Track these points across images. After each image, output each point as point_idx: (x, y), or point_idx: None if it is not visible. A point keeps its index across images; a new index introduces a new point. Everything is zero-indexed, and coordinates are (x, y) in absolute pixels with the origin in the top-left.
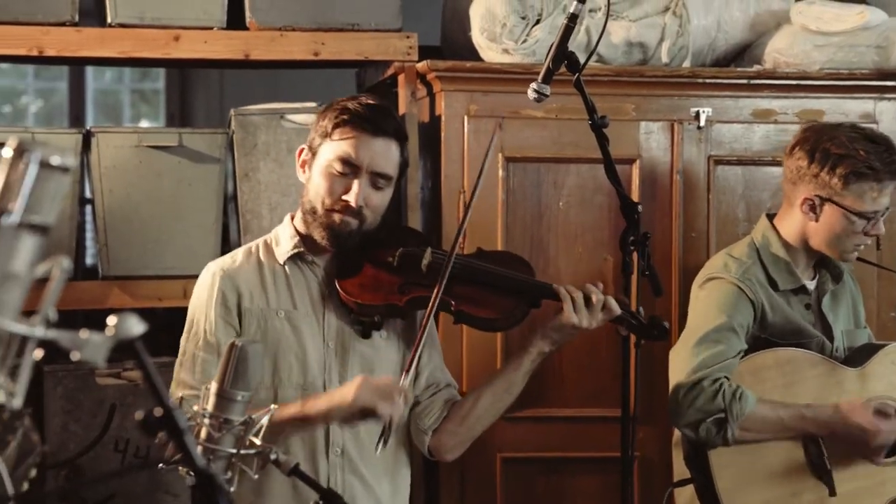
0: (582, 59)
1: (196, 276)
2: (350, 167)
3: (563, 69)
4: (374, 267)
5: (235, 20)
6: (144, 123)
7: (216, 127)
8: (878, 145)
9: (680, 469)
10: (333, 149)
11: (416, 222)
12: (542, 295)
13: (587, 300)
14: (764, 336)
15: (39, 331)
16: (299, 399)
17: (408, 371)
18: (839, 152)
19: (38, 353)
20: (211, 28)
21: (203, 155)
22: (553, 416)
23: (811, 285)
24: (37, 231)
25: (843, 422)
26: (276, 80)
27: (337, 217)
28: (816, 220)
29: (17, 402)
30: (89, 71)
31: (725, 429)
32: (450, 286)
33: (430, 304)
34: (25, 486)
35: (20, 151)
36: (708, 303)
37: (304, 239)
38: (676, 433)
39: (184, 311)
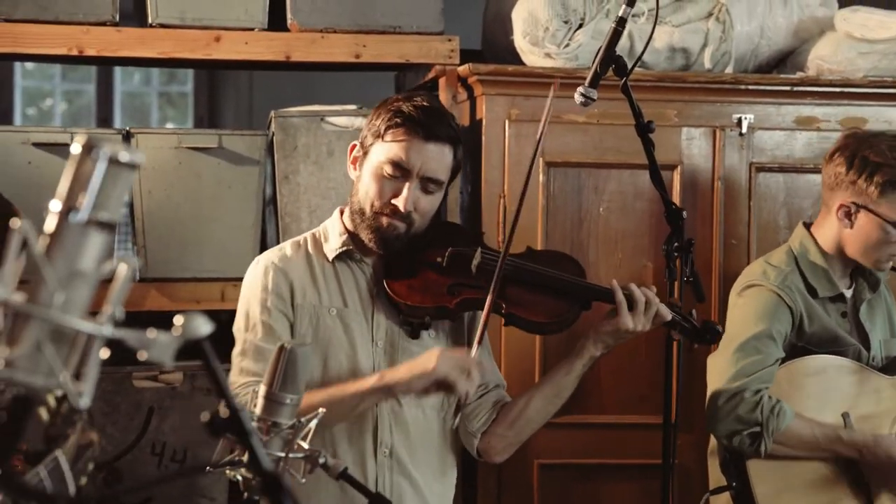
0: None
1: (234, 279)
2: (401, 170)
3: (607, 74)
4: (423, 267)
5: (277, 21)
6: (170, 126)
7: (246, 129)
8: None
9: (716, 476)
10: (385, 151)
11: None
12: (596, 297)
13: (644, 305)
14: (801, 344)
15: (107, 330)
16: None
17: (479, 342)
18: (877, 160)
19: (105, 353)
20: (252, 29)
21: (242, 157)
22: (591, 422)
23: (848, 293)
24: (104, 228)
25: (876, 452)
26: (308, 83)
27: (385, 220)
28: (851, 227)
29: (86, 402)
30: (118, 73)
31: (760, 442)
32: (501, 288)
33: (486, 307)
34: (84, 480)
35: (89, 148)
36: (747, 310)
37: (353, 237)
38: (713, 441)
39: (222, 313)
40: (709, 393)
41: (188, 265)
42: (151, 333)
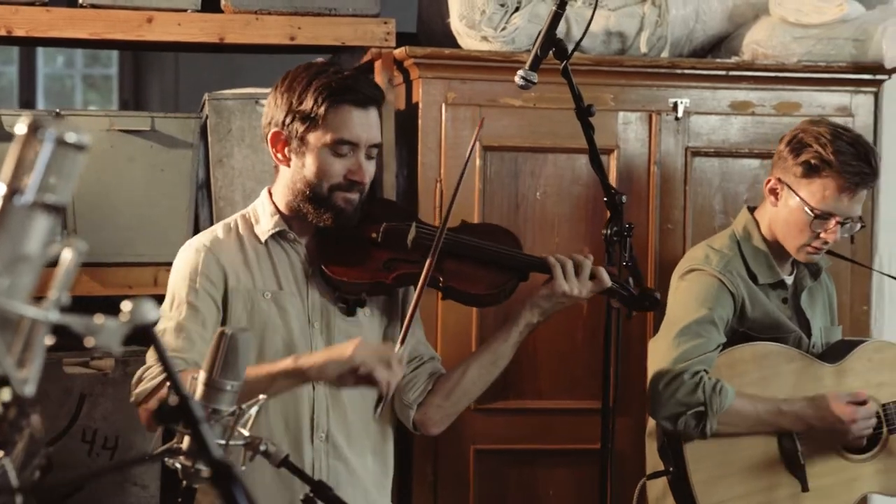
0: None
1: (167, 264)
2: (349, 145)
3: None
4: (358, 244)
5: (210, 3)
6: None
7: (173, 112)
8: (854, 149)
9: (653, 460)
10: (330, 131)
11: None
12: (532, 268)
13: (577, 268)
14: (742, 329)
15: (53, 315)
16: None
17: (402, 341)
18: (808, 142)
19: (50, 340)
20: (185, 10)
21: (175, 140)
22: (527, 408)
23: (789, 280)
24: (51, 211)
25: (820, 414)
26: (236, 66)
27: (342, 196)
28: (776, 206)
29: (30, 390)
30: (40, 55)
31: (704, 422)
32: (438, 261)
33: (422, 281)
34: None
35: (34, 128)
36: (689, 295)
37: (285, 217)
38: (651, 423)
39: (155, 298)
40: (650, 377)
41: (120, 250)
42: (99, 319)
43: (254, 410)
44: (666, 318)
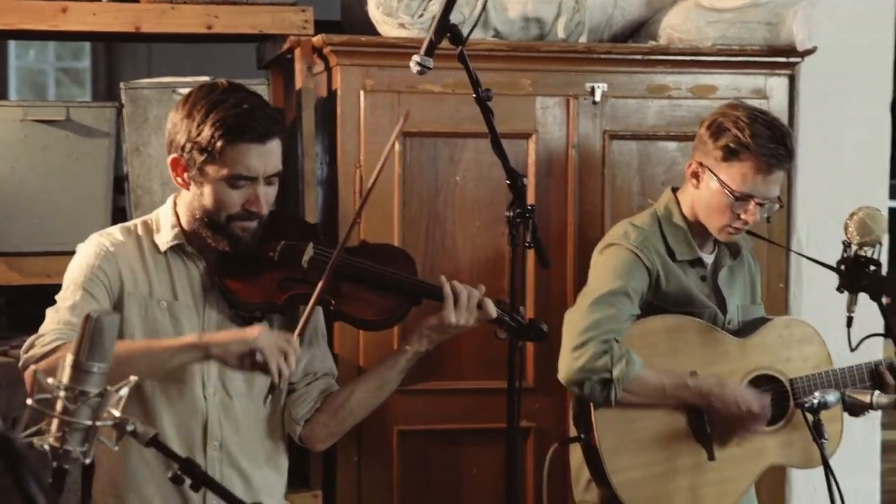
0: (481, 34)
1: None
2: (247, 179)
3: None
4: (256, 262)
5: None
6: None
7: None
8: (771, 132)
9: (574, 430)
10: (227, 166)
11: (312, 199)
12: (426, 295)
13: (465, 298)
14: (657, 302)
15: None
16: (177, 398)
17: (300, 336)
18: (727, 126)
19: None
20: (100, 0)
21: (91, 129)
22: (449, 388)
23: (709, 259)
24: None
25: (723, 397)
26: (205, 55)
27: (240, 226)
28: (697, 188)
29: None
30: (11, 47)
31: (610, 390)
32: (332, 284)
33: (310, 306)
34: None
35: None
36: (605, 268)
37: (186, 232)
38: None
39: None
40: (563, 344)
41: (38, 239)
42: None
43: (124, 391)
44: (583, 290)
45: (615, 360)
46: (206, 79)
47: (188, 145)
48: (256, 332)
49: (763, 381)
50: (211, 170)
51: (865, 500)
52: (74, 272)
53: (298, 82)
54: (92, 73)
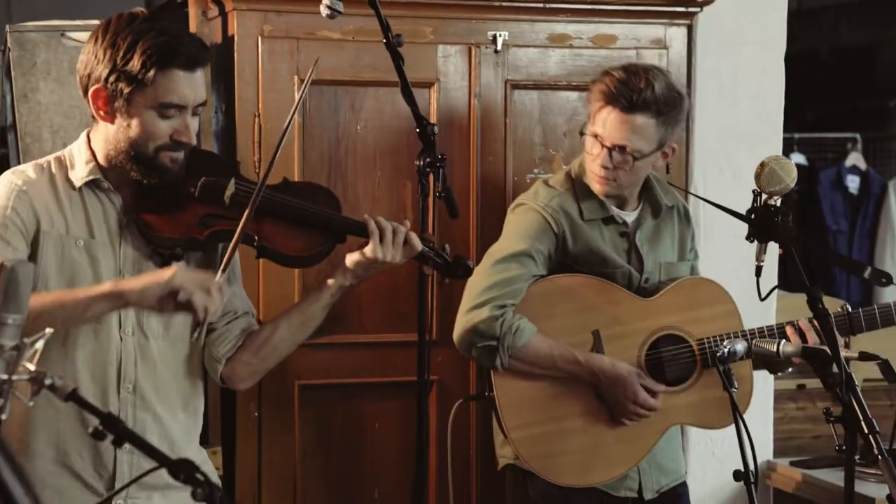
0: None
1: None
2: (177, 108)
3: None
4: (176, 198)
5: None
6: None
7: None
8: (628, 77)
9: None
10: (155, 94)
11: (209, 148)
12: (350, 231)
13: (393, 234)
14: (567, 262)
15: None
16: (92, 337)
17: (223, 270)
18: (597, 79)
19: None
20: None
21: None
22: (351, 342)
23: (630, 216)
24: None
25: (613, 376)
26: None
27: (167, 156)
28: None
29: None
30: None
31: (496, 356)
32: (255, 220)
33: (234, 240)
34: None
35: None
36: (511, 228)
37: (102, 168)
38: None
39: None
40: (461, 302)
41: None
42: None
43: (40, 344)
44: (489, 249)
45: (503, 328)
46: (95, 22)
47: (113, 76)
48: (171, 273)
49: (669, 341)
50: (140, 99)
51: (759, 448)
52: None
53: (192, 27)
54: None
